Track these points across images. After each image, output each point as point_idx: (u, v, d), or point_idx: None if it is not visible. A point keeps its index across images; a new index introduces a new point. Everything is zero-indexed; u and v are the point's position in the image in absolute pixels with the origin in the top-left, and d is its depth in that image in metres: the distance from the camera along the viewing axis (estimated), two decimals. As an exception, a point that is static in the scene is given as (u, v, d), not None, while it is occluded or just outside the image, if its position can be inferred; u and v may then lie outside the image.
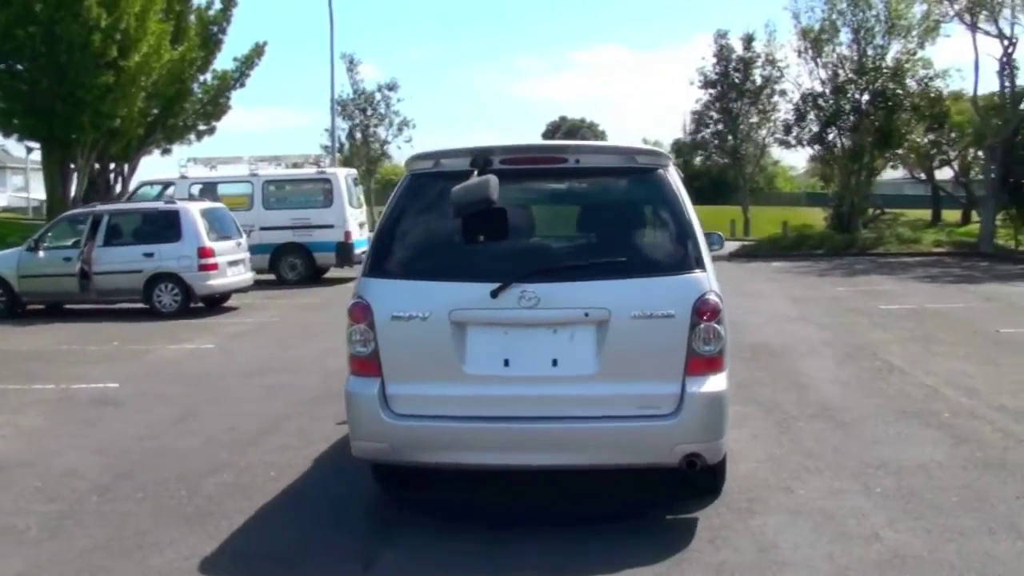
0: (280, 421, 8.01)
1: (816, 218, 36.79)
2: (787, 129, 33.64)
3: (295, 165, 23.34)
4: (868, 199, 32.42)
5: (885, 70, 30.10)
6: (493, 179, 5.06)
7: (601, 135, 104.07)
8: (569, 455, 5.10)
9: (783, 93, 43.76)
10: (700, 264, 5.12)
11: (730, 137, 45.64)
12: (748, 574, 4.60)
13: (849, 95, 30.73)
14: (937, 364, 9.86)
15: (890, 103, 29.68)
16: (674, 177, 5.39)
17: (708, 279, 5.09)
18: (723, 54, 49.12)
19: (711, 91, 48.39)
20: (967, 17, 29.37)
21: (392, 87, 47.21)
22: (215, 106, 36.09)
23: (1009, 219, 29.55)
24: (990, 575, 4.48)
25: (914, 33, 31.52)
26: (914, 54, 31.51)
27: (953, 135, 37.24)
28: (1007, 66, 28.72)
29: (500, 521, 5.46)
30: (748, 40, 48.47)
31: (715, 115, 48.78)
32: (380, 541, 5.22)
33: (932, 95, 30.42)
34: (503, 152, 5.33)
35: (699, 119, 48.63)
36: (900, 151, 34.79)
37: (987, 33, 28.82)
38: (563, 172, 5.38)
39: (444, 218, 5.26)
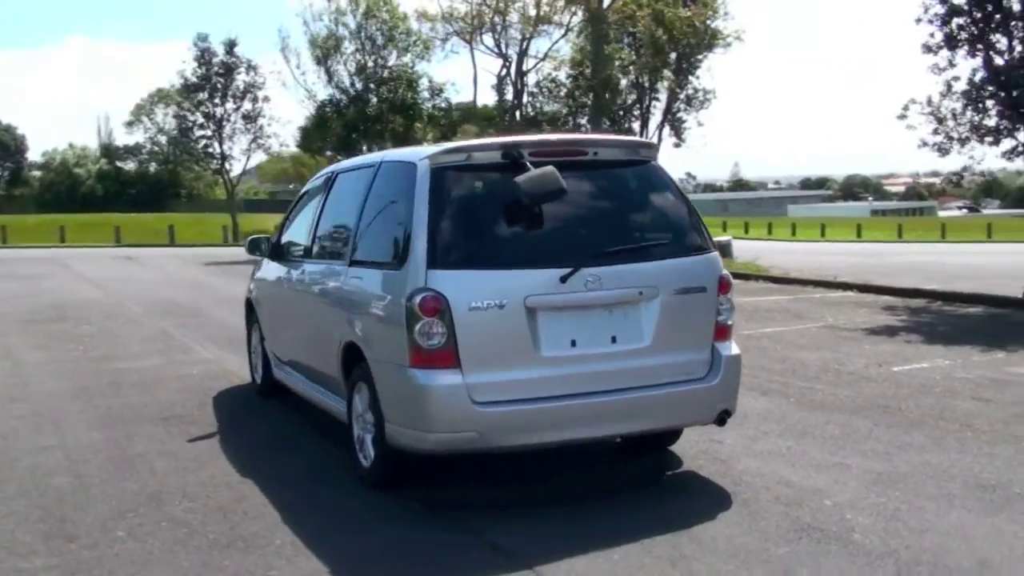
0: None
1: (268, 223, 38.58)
2: (306, 136, 34.41)
3: None
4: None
5: (402, 80, 32.22)
6: (554, 169, 5.32)
7: (21, 138, 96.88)
8: (632, 423, 5.53)
9: (267, 99, 44.66)
10: (714, 244, 5.86)
11: (216, 144, 45.60)
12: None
13: (371, 103, 32.36)
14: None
15: (410, 112, 31.83)
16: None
17: (720, 258, 5.85)
18: (205, 58, 48.70)
19: (197, 94, 47.89)
20: (467, 36, 32.59)
21: None
22: None
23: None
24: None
25: (413, 47, 34.15)
26: (412, 66, 34.11)
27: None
28: (503, 82, 32.41)
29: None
30: (230, 45, 48.59)
31: (199, 119, 48.35)
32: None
33: (444, 106, 33.17)
34: (532, 146, 5.57)
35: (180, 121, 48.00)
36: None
37: (489, 51, 32.27)
38: (583, 164, 5.73)
39: (496, 208, 5.38)
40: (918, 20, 16.89)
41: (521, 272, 5.27)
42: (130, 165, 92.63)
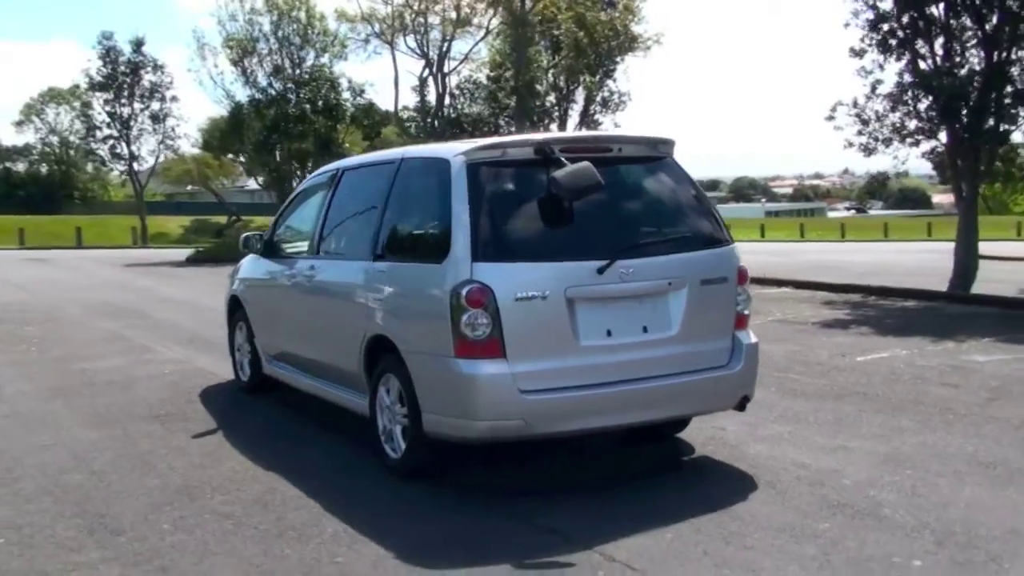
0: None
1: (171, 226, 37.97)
2: (223, 136, 33.90)
3: None
4: (226, 207, 33.90)
5: (324, 81, 31.98)
6: (590, 164, 5.50)
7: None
8: (663, 409, 5.75)
9: (175, 99, 43.95)
10: (731, 236, 6.11)
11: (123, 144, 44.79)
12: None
13: (292, 104, 32.03)
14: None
15: (333, 112, 31.61)
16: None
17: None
18: (111, 56, 47.77)
19: (101, 94, 46.94)
20: (388, 37, 32.53)
21: None
22: None
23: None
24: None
25: (331, 47, 33.92)
26: (328, 66, 33.90)
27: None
28: (425, 83, 32.45)
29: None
30: (137, 44, 47.65)
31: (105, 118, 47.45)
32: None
33: (366, 106, 33.02)
34: (561, 142, 5.75)
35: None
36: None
37: (410, 53, 32.26)
38: (608, 160, 5.91)
39: (532, 202, 5.53)
40: (846, 24, 17.55)
41: (560, 264, 5.43)
42: (20, 166, 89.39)
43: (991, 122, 16.43)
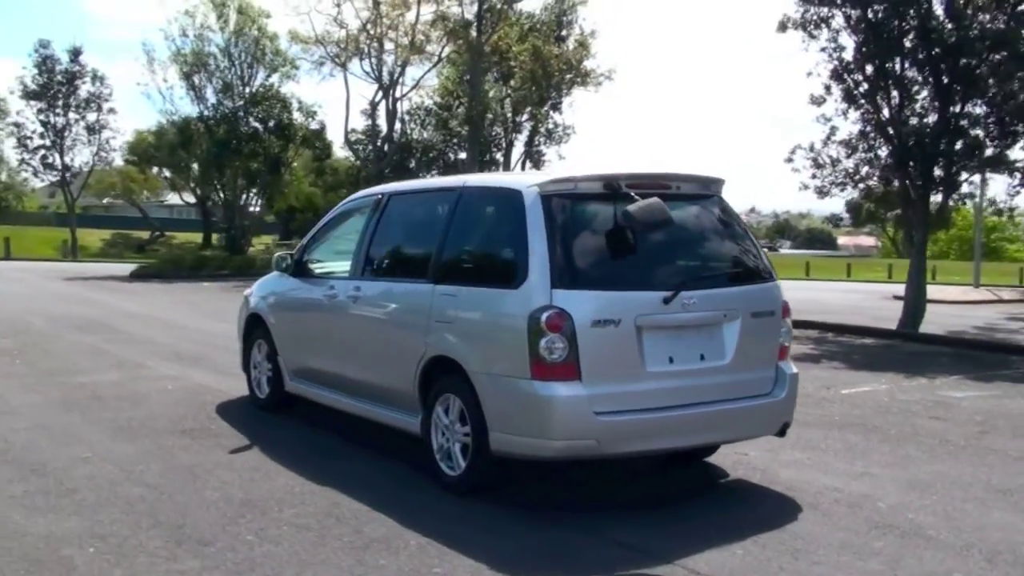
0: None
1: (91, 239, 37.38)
2: (172, 150, 33.58)
3: None
4: (148, 221, 33.28)
5: (277, 100, 31.93)
6: (660, 200, 5.85)
7: None
8: (717, 433, 6.10)
9: (112, 111, 43.42)
10: (775, 273, 6.51)
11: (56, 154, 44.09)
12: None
13: (244, 122, 31.89)
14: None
15: (285, 133, 31.57)
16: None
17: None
18: (47, 65, 47.12)
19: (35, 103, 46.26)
20: (341, 60, 32.64)
21: None
22: None
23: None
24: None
25: (281, 68, 33.92)
26: (277, 86, 33.89)
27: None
28: (376, 107, 32.61)
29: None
30: (75, 53, 47.05)
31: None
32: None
33: (317, 128, 33.04)
34: (626, 179, 6.09)
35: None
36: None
37: (363, 77, 32.40)
38: (667, 196, 6.25)
39: (603, 233, 5.86)
40: (808, 74, 18.32)
41: (630, 293, 5.75)
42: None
43: (941, 172, 17.27)
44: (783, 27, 18.84)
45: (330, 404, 7.72)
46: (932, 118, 17.31)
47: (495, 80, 33.93)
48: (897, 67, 17.26)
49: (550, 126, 37.47)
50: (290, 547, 5.18)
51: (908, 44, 16.83)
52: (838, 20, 17.87)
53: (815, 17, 18.31)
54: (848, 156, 19.00)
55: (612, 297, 5.67)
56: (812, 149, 19.23)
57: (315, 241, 8.28)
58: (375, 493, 6.15)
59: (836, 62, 17.50)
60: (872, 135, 17.97)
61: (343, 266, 7.79)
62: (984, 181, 18.07)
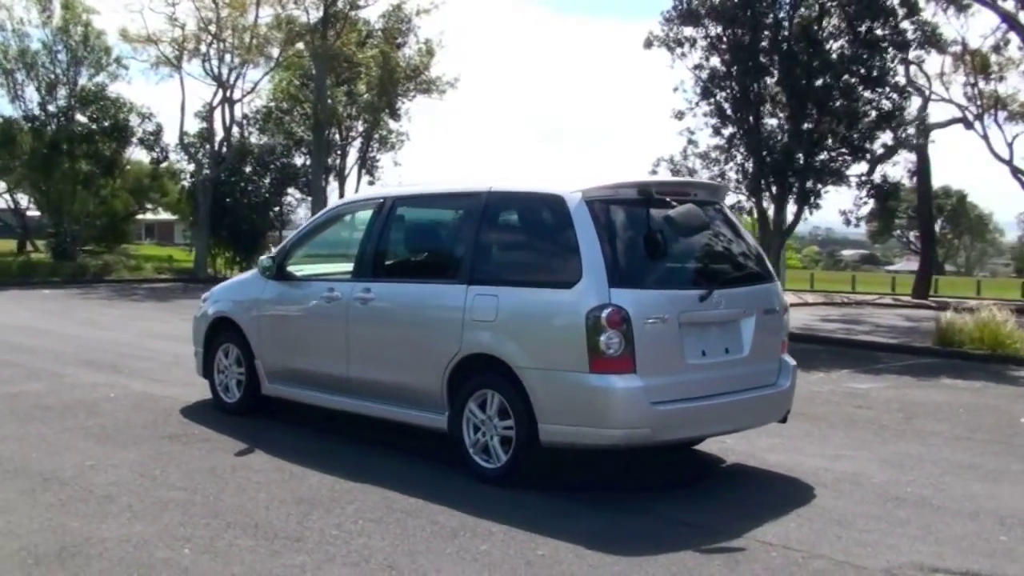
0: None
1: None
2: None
3: None
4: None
5: (111, 102, 30.60)
6: (696, 207, 6.37)
7: None
8: (741, 421, 6.67)
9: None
10: (775, 274, 7.14)
11: None
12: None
13: (76, 123, 30.40)
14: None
15: (120, 134, 30.31)
16: None
17: None
18: None
19: None
20: (175, 60, 31.60)
21: None
22: None
23: (219, 247, 32.64)
24: None
25: (107, 67, 32.56)
26: (104, 87, 32.55)
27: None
28: (214, 110, 31.75)
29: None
30: None
31: None
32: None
33: (154, 130, 31.87)
34: (656, 186, 6.58)
35: None
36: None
37: (200, 78, 31.49)
38: (686, 203, 6.76)
39: (642, 235, 6.31)
40: (675, 89, 19.42)
41: (673, 292, 6.23)
42: None
43: (796, 185, 18.71)
44: (648, 44, 19.85)
45: (322, 405, 7.79)
46: (788, 135, 18.72)
47: (336, 84, 33.68)
48: (757, 86, 18.54)
49: (383, 132, 37.46)
50: (382, 539, 5.33)
51: (768, 64, 18.11)
52: (701, 40, 19.03)
53: (679, 36, 19.42)
54: (705, 168, 20.21)
55: (660, 295, 6.12)
56: (672, 161, 20.32)
57: (298, 245, 8.30)
58: (417, 487, 6.30)
59: (707, 82, 18.60)
60: (732, 149, 19.20)
61: (339, 268, 7.87)
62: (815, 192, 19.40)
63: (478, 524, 5.59)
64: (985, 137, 29.75)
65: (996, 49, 28.08)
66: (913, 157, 29.14)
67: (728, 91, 18.42)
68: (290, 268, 8.23)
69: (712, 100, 18.66)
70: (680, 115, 19.79)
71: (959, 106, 29.99)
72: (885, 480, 6.82)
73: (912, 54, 19.37)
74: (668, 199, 6.39)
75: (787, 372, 6.89)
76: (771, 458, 7.39)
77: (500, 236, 6.72)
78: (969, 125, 30.00)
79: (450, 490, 6.28)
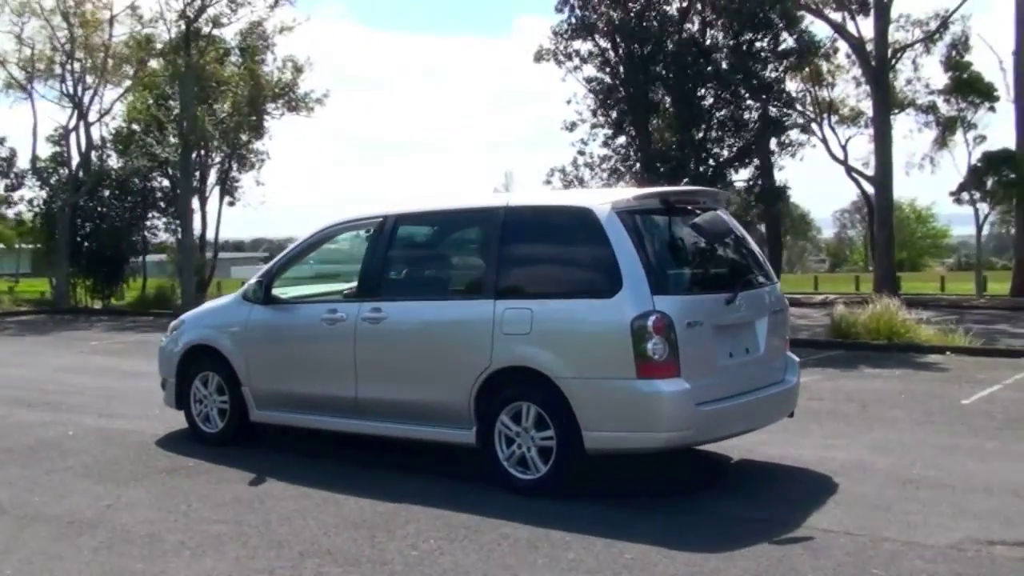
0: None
1: None
2: None
3: None
4: None
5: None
6: (720, 214, 6.66)
7: None
8: (764, 418, 6.95)
9: None
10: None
11: None
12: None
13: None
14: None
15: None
16: None
17: None
18: None
19: None
20: (24, 81, 30.12)
21: None
22: None
23: (78, 276, 31.17)
24: None
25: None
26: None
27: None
28: (69, 133, 30.39)
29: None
30: None
31: None
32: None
33: (7, 156, 30.21)
34: (673, 195, 6.85)
35: None
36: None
37: (60, 99, 30.09)
38: (699, 211, 7.02)
39: (669, 243, 6.56)
40: (568, 101, 19.85)
41: (705, 296, 6.48)
42: None
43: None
44: (539, 58, 20.21)
45: (321, 428, 7.69)
46: (678, 144, 19.42)
47: (200, 103, 32.74)
48: (651, 96, 19.16)
49: (242, 152, 36.61)
50: (466, 556, 5.34)
51: (661, 74, 18.76)
52: (594, 50, 19.53)
53: (569, 50, 19.87)
54: (592, 176, 20.73)
55: (696, 300, 6.36)
56: (564, 172, 20.76)
57: (285, 268, 8.16)
58: (459, 503, 6.29)
59: (601, 93, 19.10)
60: (621, 157, 19.78)
61: (328, 288, 7.82)
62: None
63: (547, 535, 5.65)
64: (824, 140, 31.16)
65: (827, 57, 29.39)
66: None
67: (623, 103, 18.93)
68: (285, 291, 8.08)
69: (604, 111, 19.13)
70: (572, 126, 20.23)
71: (800, 112, 31.57)
72: (888, 465, 7.23)
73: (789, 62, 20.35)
74: (689, 207, 6.62)
75: (793, 368, 7.23)
76: (770, 452, 7.71)
77: (526, 250, 6.80)
78: (806, 129, 31.52)
79: (491, 504, 6.28)
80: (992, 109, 33.71)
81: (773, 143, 19.55)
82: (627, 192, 6.66)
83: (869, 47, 26.01)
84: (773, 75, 18.69)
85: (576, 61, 19.62)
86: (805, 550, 5.32)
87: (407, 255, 7.45)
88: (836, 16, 25.04)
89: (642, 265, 6.18)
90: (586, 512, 6.12)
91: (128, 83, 31.52)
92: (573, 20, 19.12)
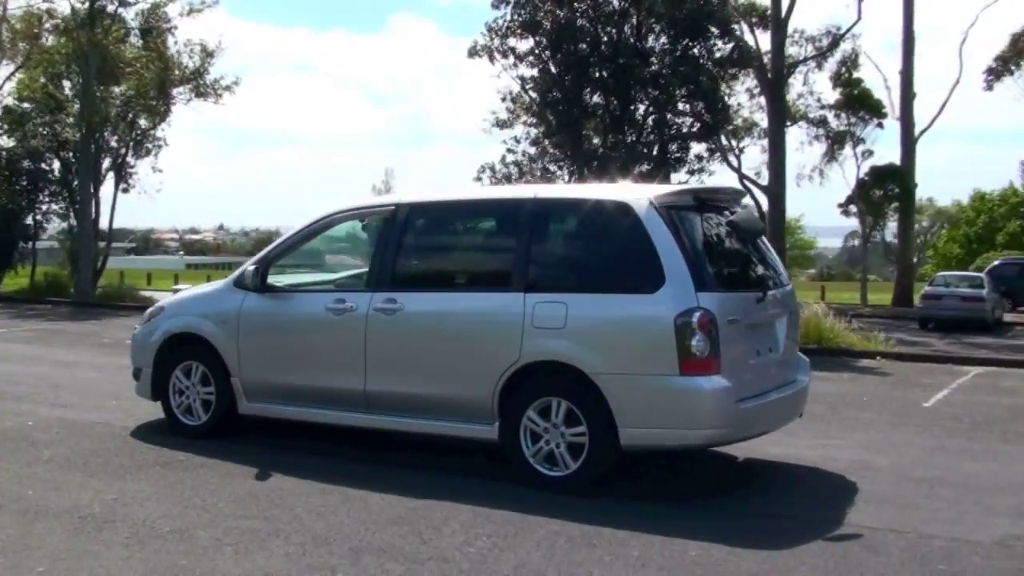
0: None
1: None
2: None
3: None
4: None
5: None
6: (752, 212, 6.70)
7: None
8: (785, 416, 7.01)
9: None
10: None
11: None
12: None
13: None
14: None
15: None
16: None
17: None
18: None
19: None
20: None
21: None
22: None
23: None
24: None
25: None
26: None
27: None
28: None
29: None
30: None
31: None
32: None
33: None
34: (706, 193, 6.87)
35: None
36: None
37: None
38: (726, 209, 7.05)
39: (705, 240, 6.56)
40: (503, 99, 19.81)
41: (741, 294, 6.49)
42: None
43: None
44: (472, 53, 20.09)
45: (318, 421, 7.41)
46: (610, 146, 19.57)
47: (100, 83, 31.43)
48: (585, 98, 19.26)
49: (139, 137, 35.31)
50: (528, 553, 5.21)
51: (599, 76, 18.87)
52: (531, 47, 19.51)
53: (503, 47, 19.82)
54: (521, 175, 20.74)
55: (735, 297, 6.37)
56: (494, 170, 20.69)
57: (283, 256, 7.85)
58: (502, 500, 6.12)
59: (525, 92, 19.11)
60: (557, 162, 19.84)
61: (326, 277, 7.61)
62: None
63: (599, 532, 5.56)
64: (721, 149, 31.76)
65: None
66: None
67: (558, 104, 18.95)
68: (283, 279, 7.78)
69: (535, 111, 19.13)
70: (503, 124, 20.15)
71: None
72: (890, 464, 7.41)
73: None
74: (719, 204, 6.63)
75: (804, 368, 7.31)
76: (773, 451, 7.77)
77: (557, 243, 6.71)
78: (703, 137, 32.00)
79: (523, 500, 6.14)
80: (880, 125, 35.33)
81: (703, 148, 19.89)
82: (661, 188, 6.63)
83: (766, 59, 26.86)
84: (709, 81, 18.96)
85: (512, 59, 19.53)
86: (863, 547, 5.38)
87: (424, 245, 7.24)
88: (736, 27, 25.73)
89: (685, 261, 6.14)
90: (625, 509, 6.06)
91: (21, 60, 29.95)
92: (515, 17, 19.03)
